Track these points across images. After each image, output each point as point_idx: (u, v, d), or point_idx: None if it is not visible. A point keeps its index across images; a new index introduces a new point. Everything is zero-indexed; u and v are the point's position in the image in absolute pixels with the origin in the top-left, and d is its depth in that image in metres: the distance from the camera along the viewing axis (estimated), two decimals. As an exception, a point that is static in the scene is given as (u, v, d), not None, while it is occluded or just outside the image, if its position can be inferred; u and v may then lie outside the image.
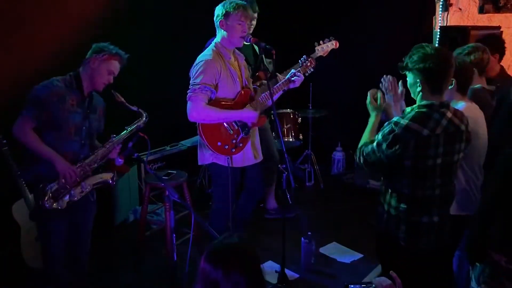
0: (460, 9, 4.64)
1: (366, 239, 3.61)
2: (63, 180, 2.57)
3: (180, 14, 4.77)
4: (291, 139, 4.58)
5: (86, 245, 2.92)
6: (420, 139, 2.13)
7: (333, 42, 3.70)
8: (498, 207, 2.14)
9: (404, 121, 2.14)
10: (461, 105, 2.57)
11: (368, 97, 2.47)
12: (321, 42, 3.64)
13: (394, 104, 2.51)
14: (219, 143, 2.98)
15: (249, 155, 3.17)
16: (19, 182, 3.23)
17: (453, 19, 4.67)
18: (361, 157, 2.32)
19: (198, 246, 3.55)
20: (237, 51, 3.16)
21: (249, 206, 3.47)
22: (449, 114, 2.22)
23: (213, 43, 3.06)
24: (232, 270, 1.50)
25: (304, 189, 5.24)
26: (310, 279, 3.53)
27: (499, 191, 2.12)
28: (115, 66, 2.69)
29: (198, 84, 2.88)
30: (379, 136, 2.21)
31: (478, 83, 2.84)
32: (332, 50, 3.68)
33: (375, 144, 2.22)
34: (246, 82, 3.18)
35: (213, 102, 2.96)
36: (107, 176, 2.74)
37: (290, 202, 4.61)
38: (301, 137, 4.61)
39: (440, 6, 4.66)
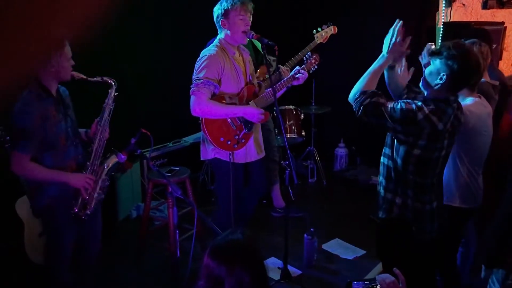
0: (463, 4, 4.61)
1: (369, 235, 3.61)
2: (84, 192, 2.56)
3: (182, 12, 4.76)
4: (294, 136, 4.56)
5: (96, 246, 2.88)
6: (434, 131, 2.15)
7: (332, 27, 3.73)
8: None
9: (426, 110, 2.13)
10: (469, 100, 2.57)
11: (395, 33, 2.27)
12: (319, 28, 3.67)
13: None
14: (221, 139, 2.97)
15: (251, 151, 3.16)
16: (21, 179, 3.23)
17: (457, 14, 4.64)
18: (360, 108, 2.21)
19: (201, 242, 3.58)
20: (242, 46, 3.15)
21: (252, 201, 3.47)
22: (456, 108, 2.24)
23: (216, 39, 3.05)
24: (236, 266, 1.51)
25: (307, 185, 5.24)
26: (313, 276, 3.54)
27: None
28: (69, 49, 2.51)
29: (201, 79, 2.87)
30: (398, 106, 2.14)
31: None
32: (332, 36, 3.70)
33: (389, 106, 2.15)
34: (251, 78, 3.17)
35: (217, 97, 2.96)
36: (113, 160, 2.67)
37: (293, 199, 4.59)
38: (303, 133, 4.60)
39: (444, 2, 4.63)
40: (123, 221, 4.34)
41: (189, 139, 4.94)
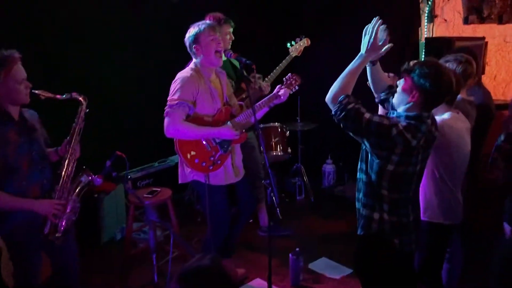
0: (445, 20, 4.66)
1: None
2: (53, 218, 2.47)
3: (171, 34, 4.78)
4: (279, 153, 4.55)
5: (75, 269, 2.80)
6: (408, 147, 2.14)
7: (305, 40, 3.79)
8: None
9: (400, 126, 2.11)
10: (447, 114, 2.56)
11: (373, 32, 2.20)
12: (293, 42, 3.70)
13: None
14: (196, 160, 2.95)
15: (230, 173, 3.13)
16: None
17: (439, 30, 4.69)
18: (342, 111, 2.15)
19: (183, 265, 3.52)
20: (218, 68, 3.15)
21: (241, 220, 3.42)
22: (430, 124, 2.23)
23: (192, 63, 3.06)
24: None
25: (295, 203, 5.19)
26: (299, 296, 3.48)
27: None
28: (21, 69, 2.38)
29: (176, 100, 2.87)
30: (374, 119, 2.12)
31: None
32: (306, 48, 3.75)
33: (366, 116, 2.12)
34: (227, 99, 3.16)
35: (192, 118, 2.94)
36: (85, 179, 2.59)
37: (280, 218, 4.57)
38: (289, 150, 4.58)
39: (426, 18, 4.68)
40: (107, 243, 4.26)
41: (175, 159, 4.90)
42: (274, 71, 3.74)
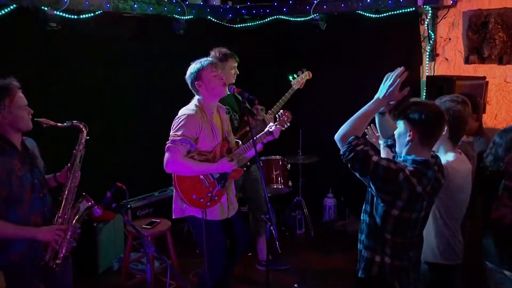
0: (446, 59, 4.73)
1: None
2: (54, 244, 2.49)
3: (173, 67, 4.87)
4: (280, 186, 4.54)
5: None
6: (413, 193, 2.14)
7: (306, 73, 3.86)
8: None
9: (407, 171, 2.12)
10: (451, 156, 2.56)
11: (396, 79, 2.20)
12: (295, 75, 3.77)
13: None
14: (194, 196, 2.94)
15: (225, 208, 3.13)
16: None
17: (440, 68, 4.76)
18: (351, 152, 2.15)
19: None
20: (219, 104, 3.18)
21: (237, 254, 3.39)
22: (436, 170, 2.24)
23: (195, 99, 3.09)
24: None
25: (295, 236, 5.15)
26: (296, 334, 3.41)
27: None
28: (22, 96, 2.44)
29: (179, 136, 2.87)
30: (382, 162, 2.12)
31: None
32: (307, 81, 3.83)
33: (374, 158, 2.13)
34: (227, 135, 3.19)
35: (191, 154, 2.96)
36: (84, 205, 2.62)
37: (280, 251, 4.51)
38: (290, 184, 4.57)
39: (427, 56, 4.75)
40: (104, 273, 4.22)
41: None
42: (277, 103, 3.79)
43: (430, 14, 4.65)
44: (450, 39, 4.67)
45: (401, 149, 2.28)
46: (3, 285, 2.85)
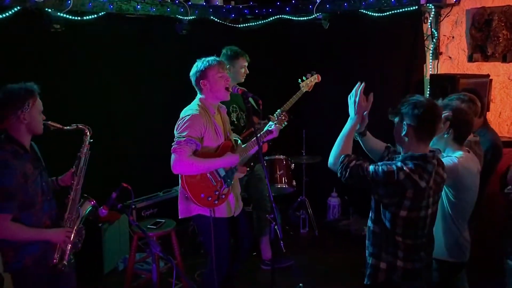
0: (450, 57, 4.72)
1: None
2: (64, 246, 2.55)
3: (177, 67, 4.88)
4: (284, 186, 4.53)
5: None
6: (418, 190, 2.14)
7: (315, 76, 3.87)
8: None
9: (407, 169, 2.13)
10: (458, 154, 2.56)
11: (357, 94, 2.34)
12: (304, 77, 3.76)
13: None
14: (202, 195, 2.94)
15: (232, 206, 3.14)
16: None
17: (443, 67, 4.74)
18: (346, 170, 2.20)
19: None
20: (220, 103, 3.18)
21: (242, 254, 3.40)
22: (436, 164, 2.23)
23: (197, 99, 3.08)
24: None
25: (299, 236, 5.15)
26: (301, 333, 3.41)
27: None
28: (40, 102, 2.52)
29: (184, 137, 2.86)
30: (379, 169, 2.15)
31: None
32: (321, 86, 3.86)
33: (371, 170, 2.15)
34: (228, 134, 3.20)
35: (198, 154, 2.95)
36: (87, 206, 2.67)
37: (284, 250, 4.52)
38: (294, 183, 4.57)
39: (431, 55, 4.74)
40: (110, 274, 4.23)
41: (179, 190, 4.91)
42: (285, 105, 3.79)
43: (433, 13, 4.64)
44: (453, 37, 4.66)
45: (399, 145, 2.30)
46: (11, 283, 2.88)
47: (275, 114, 3.61)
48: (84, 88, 4.31)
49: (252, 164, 3.91)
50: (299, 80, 3.91)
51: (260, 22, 5.64)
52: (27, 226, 2.43)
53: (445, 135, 2.57)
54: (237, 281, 3.97)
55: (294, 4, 5.29)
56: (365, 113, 2.41)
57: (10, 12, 3.55)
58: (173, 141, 2.91)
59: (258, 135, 3.03)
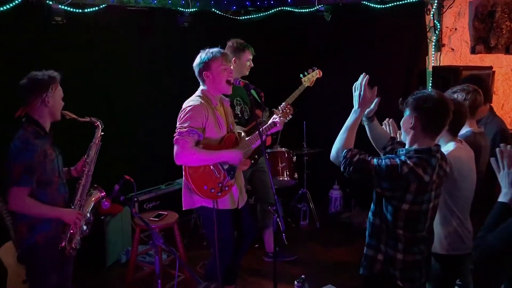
0: (452, 49, 4.70)
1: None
2: (74, 227, 2.67)
3: (180, 61, 4.87)
4: (286, 178, 4.54)
5: None
6: (421, 184, 2.14)
7: (317, 71, 3.87)
8: None
9: (410, 163, 2.12)
10: (451, 145, 2.56)
11: (362, 87, 2.30)
12: (305, 73, 3.76)
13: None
14: (205, 187, 2.95)
15: (236, 198, 3.14)
16: (7, 224, 3.20)
17: (446, 59, 4.73)
18: (350, 165, 2.19)
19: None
20: (222, 96, 3.17)
21: (244, 246, 3.41)
22: (440, 158, 2.23)
23: (199, 91, 3.07)
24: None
25: (300, 228, 5.16)
26: (303, 325, 3.42)
27: None
28: (61, 89, 2.69)
29: (186, 128, 2.86)
30: (382, 163, 2.14)
31: (468, 125, 2.83)
32: (322, 77, 3.84)
33: (373, 162, 2.14)
34: (232, 127, 3.19)
35: (201, 144, 2.95)
36: (97, 195, 2.80)
37: (286, 243, 4.54)
38: (296, 176, 4.58)
39: (433, 47, 4.73)
40: (112, 266, 4.24)
41: (182, 182, 4.91)
42: (287, 99, 3.78)
43: (435, 4, 4.61)
44: (456, 29, 4.64)
45: (405, 138, 2.28)
46: (23, 277, 2.94)
47: (279, 107, 3.60)
48: (85, 80, 4.30)
49: (256, 157, 3.91)
50: (301, 75, 3.90)
51: (261, 14, 5.62)
52: (42, 203, 2.56)
53: None
54: (240, 273, 4.00)
55: (296, -5, 5.27)
56: (374, 102, 2.39)
57: (11, 5, 3.54)
58: (175, 132, 2.91)
59: (261, 128, 3.03)
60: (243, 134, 3.29)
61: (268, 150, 4.47)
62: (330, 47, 5.38)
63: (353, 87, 2.36)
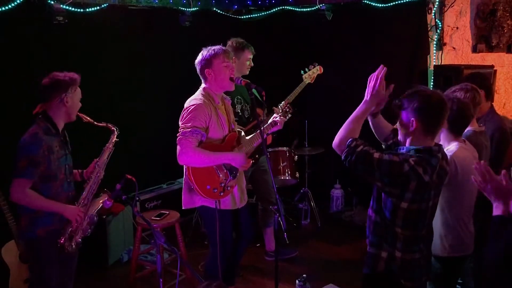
0: (454, 48, 4.69)
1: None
2: (75, 224, 2.70)
3: (182, 60, 4.87)
4: (287, 177, 4.55)
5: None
6: (421, 183, 2.12)
7: (318, 67, 3.87)
8: None
9: (412, 161, 2.11)
10: (454, 145, 2.55)
11: (378, 79, 2.24)
12: (306, 69, 3.76)
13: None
14: (208, 187, 2.94)
15: (236, 198, 3.14)
16: (10, 223, 3.22)
17: (447, 58, 4.72)
18: (352, 155, 2.15)
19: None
20: (224, 94, 3.17)
21: (242, 246, 3.41)
22: (440, 158, 2.22)
23: (201, 88, 3.06)
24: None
25: (301, 227, 5.17)
26: (305, 324, 3.42)
27: None
28: (80, 91, 2.78)
29: (189, 128, 2.85)
30: (384, 158, 2.12)
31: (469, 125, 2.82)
32: (323, 76, 3.85)
33: (376, 155, 2.12)
34: (233, 125, 3.19)
35: (203, 144, 2.95)
36: (103, 198, 2.83)
37: (287, 242, 4.54)
38: (297, 175, 4.58)
39: (434, 45, 4.72)
40: (114, 265, 4.26)
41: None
42: (288, 97, 3.78)
43: (437, 3, 4.60)
44: (457, 27, 4.63)
45: (404, 139, 2.25)
46: (25, 276, 2.99)
47: (279, 106, 3.59)
48: (87, 80, 4.28)
49: (257, 156, 3.92)
50: (302, 71, 3.90)
51: (263, 13, 5.62)
52: (43, 197, 2.60)
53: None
54: (241, 272, 4.01)
55: (297, -6, 5.27)
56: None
57: (13, 4, 3.54)
58: (178, 132, 2.90)
59: (262, 127, 3.02)
60: (243, 133, 3.29)
61: (270, 150, 4.48)
62: (331, 47, 5.38)
63: (369, 78, 2.30)
